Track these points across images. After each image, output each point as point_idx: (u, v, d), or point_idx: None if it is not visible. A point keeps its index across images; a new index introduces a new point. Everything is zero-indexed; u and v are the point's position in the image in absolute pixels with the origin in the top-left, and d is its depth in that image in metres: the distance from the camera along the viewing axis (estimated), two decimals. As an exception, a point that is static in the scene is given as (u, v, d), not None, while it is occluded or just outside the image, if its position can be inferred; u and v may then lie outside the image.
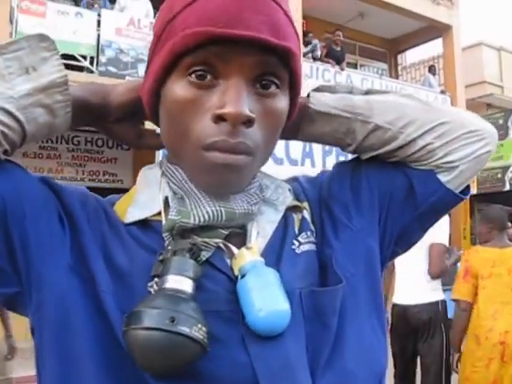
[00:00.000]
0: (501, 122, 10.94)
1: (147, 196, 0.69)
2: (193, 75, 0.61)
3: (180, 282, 0.59)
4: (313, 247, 0.71)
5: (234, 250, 0.65)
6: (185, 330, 0.54)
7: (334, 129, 0.76)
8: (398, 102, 0.76)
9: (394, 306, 3.76)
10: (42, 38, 0.64)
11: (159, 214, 0.66)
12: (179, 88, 0.62)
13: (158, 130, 0.72)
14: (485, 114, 11.87)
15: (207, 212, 0.64)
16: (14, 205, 0.61)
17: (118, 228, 0.67)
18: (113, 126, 0.74)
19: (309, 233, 0.72)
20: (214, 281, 0.63)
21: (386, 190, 0.76)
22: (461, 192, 0.78)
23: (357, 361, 0.64)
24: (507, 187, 10.02)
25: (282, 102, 0.64)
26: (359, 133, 0.76)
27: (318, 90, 0.78)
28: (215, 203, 0.64)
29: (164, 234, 0.64)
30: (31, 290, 0.61)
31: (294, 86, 0.67)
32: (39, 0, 6.80)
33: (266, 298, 0.60)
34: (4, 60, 0.62)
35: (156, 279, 0.61)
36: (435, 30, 11.35)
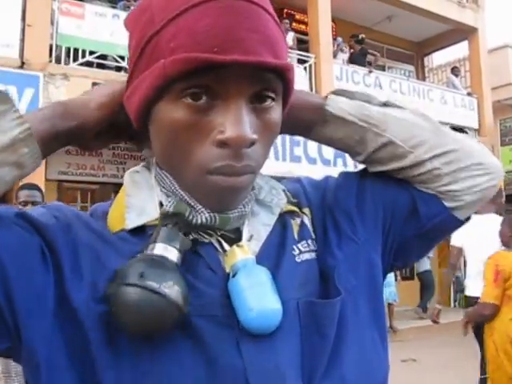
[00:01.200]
0: (527, 124, 10.94)
1: (140, 200, 0.67)
2: (187, 97, 0.58)
3: (165, 249, 0.59)
4: (313, 255, 0.70)
5: (226, 246, 0.65)
6: (153, 284, 0.55)
7: (346, 135, 0.75)
8: (412, 120, 0.75)
9: (468, 297, 3.89)
10: None
11: (157, 219, 0.65)
12: (174, 112, 0.59)
13: None
14: (511, 117, 11.86)
15: (201, 218, 0.63)
16: None
17: (107, 240, 0.64)
18: (89, 142, 0.70)
19: (309, 241, 0.71)
20: (207, 282, 0.62)
21: (390, 206, 0.76)
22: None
23: (356, 372, 0.64)
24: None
25: (277, 113, 0.63)
26: (371, 144, 0.75)
27: (336, 93, 0.76)
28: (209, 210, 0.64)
29: (156, 218, 0.64)
30: (21, 346, 0.58)
31: (286, 94, 0.65)
32: (78, 2, 7.02)
33: (257, 298, 0.60)
34: None
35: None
36: (461, 32, 11.38)
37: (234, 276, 0.62)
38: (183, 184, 0.64)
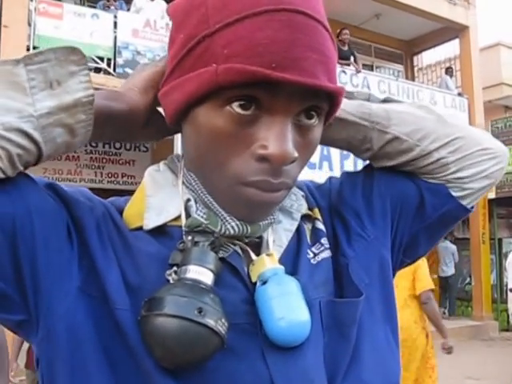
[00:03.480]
0: (519, 124, 10.84)
1: (161, 200, 0.65)
2: (235, 104, 0.57)
3: (201, 273, 0.57)
4: (328, 254, 0.70)
5: (253, 255, 0.64)
6: (211, 322, 0.53)
7: (350, 135, 0.76)
8: (415, 113, 0.76)
9: None
10: (72, 50, 0.57)
11: (176, 219, 0.63)
12: (218, 118, 0.57)
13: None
14: (503, 117, 11.75)
15: (232, 227, 0.62)
16: (25, 227, 0.56)
17: (124, 236, 0.63)
18: (140, 131, 0.69)
19: (322, 240, 0.71)
20: (230, 289, 0.61)
21: (398, 200, 0.76)
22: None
23: (373, 372, 0.64)
24: (526, 191, 9.91)
25: (319, 132, 0.63)
26: (376, 142, 0.75)
27: None
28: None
29: (184, 228, 0.62)
30: (39, 319, 0.57)
31: (330, 114, 0.65)
32: (56, 2, 6.87)
33: (287, 307, 0.59)
34: (27, 72, 0.55)
35: (175, 268, 0.59)
36: (452, 30, 11.24)
37: (263, 284, 0.60)
38: (212, 190, 0.63)
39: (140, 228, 0.63)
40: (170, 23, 0.65)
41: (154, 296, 0.55)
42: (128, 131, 0.67)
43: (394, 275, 0.76)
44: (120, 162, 8.36)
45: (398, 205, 0.76)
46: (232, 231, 0.62)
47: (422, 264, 3.57)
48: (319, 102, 0.59)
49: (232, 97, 0.56)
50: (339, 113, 0.71)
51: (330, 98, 0.60)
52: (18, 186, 0.57)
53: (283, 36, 0.54)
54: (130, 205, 0.67)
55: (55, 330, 0.56)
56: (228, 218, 0.62)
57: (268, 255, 0.63)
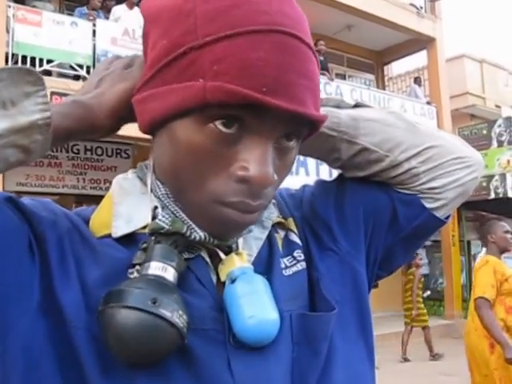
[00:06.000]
0: (484, 132, 11.27)
1: (128, 208, 0.63)
2: (218, 122, 0.54)
3: (163, 269, 0.56)
4: (301, 266, 0.68)
5: (222, 255, 0.62)
6: (166, 313, 0.52)
7: (317, 144, 0.73)
8: (385, 122, 0.73)
9: None
10: (28, 71, 0.53)
11: (145, 227, 0.61)
12: (199, 135, 0.55)
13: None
14: (469, 125, 12.20)
15: (199, 235, 0.60)
16: None
17: (92, 244, 0.61)
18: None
19: (295, 253, 0.69)
20: (196, 295, 0.59)
21: (371, 212, 0.74)
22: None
23: None
24: (492, 195, 10.26)
25: (295, 153, 0.62)
26: (344, 152, 0.74)
27: None
28: None
29: (147, 231, 0.60)
30: None
31: (308, 136, 0.63)
32: (35, 9, 6.88)
33: (257, 306, 0.57)
34: None
35: (137, 267, 0.58)
36: (420, 42, 11.60)
37: (232, 283, 0.59)
38: (184, 204, 0.61)
39: (108, 236, 0.61)
40: (143, 22, 0.62)
41: (111, 290, 0.53)
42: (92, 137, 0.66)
43: (369, 290, 0.74)
44: (102, 168, 8.40)
45: (371, 217, 0.73)
46: (198, 238, 0.60)
47: (480, 269, 3.50)
48: (302, 126, 0.59)
49: (217, 114, 0.54)
50: None
51: (311, 123, 0.59)
52: None
53: (275, 59, 0.53)
54: (97, 213, 0.65)
55: (11, 349, 0.53)
56: (195, 227, 0.60)
57: (237, 254, 0.62)
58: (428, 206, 0.73)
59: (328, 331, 0.63)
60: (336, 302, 0.65)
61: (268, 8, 0.54)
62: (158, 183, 0.63)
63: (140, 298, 0.52)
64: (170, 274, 0.56)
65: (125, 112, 0.63)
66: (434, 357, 7.79)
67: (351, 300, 0.69)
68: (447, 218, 0.77)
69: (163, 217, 0.61)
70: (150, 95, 0.58)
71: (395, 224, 0.74)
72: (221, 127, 0.55)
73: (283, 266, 0.66)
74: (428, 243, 11.03)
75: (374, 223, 0.74)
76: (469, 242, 11.85)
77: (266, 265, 0.65)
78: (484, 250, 3.79)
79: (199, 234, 0.60)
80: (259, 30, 0.53)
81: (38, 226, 0.58)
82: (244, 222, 0.59)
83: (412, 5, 11.15)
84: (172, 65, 0.56)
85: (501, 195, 10.22)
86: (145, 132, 0.62)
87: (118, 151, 8.63)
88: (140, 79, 0.62)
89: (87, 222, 0.64)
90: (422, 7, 11.38)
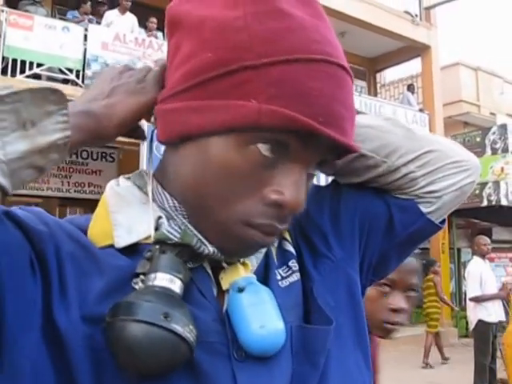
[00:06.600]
0: (478, 139, 11.27)
1: (129, 217, 0.61)
2: (263, 145, 0.54)
3: (170, 280, 0.55)
4: (296, 277, 0.67)
5: (224, 264, 0.61)
6: (178, 328, 0.51)
7: None
8: (382, 128, 0.73)
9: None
10: (52, 90, 0.53)
11: (148, 237, 0.60)
12: (238, 155, 0.54)
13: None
14: (462, 132, 12.21)
15: (209, 250, 0.59)
16: None
17: (93, 253, 0.59)
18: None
19: (290, 263, 0.68)
20: (199, 307, 0.58)
21: (366, 218, 0.73)
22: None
23: None
24: (485, 203, 10.25)
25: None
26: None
27: None
28: None
29: (152, 240, 0.59)
30: (3, 356, 0.52)
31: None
32: (27, 14, 6.93)
33: (266, 316, 0.57)
34: None
35: (142, 276, 0.57)
36: (414, 49, 11.63)
37: (239, 292, 0.59)
38: (200, 220, 0.59)
39: (110, 246, 0.60)
40: (169, 27, 0.61)
41: (120, 302, 0.52)
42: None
43: (363, 295, 0.73)
44: (87, 171, 8.36)
45: (366, 223, 0.73)
46: (207, 252, 0.59)
47: None
48: (334, 155, 0.59)
49: (261, 137, 0.54)
50: None
51: (344, 153, 0.60)
52: None
53: (329, 90, 0.53)
54: (94, 222, 0.62)
55: (19, 367, 0.52)
56: (205, 242, 0.59)
57: (242, 264, 0.62)
58: (425, 210, 0.74)
59: (326, 344, 0.62)
60: (330, 309, 0.64)
61: (318, 36, 0.55)
62: (166, 195, 0.62)
63: (151, 312, 0.51)
64: (176, 286, 0.55)
65: (131, 126, 0.63)
66: (442, 361, 7.99)
67: (346, 306, 0.68)
68: (442, 222, 0.78)
69: (172, 228, 0.60)
70: (188, 107, 0.56)
71: (391, 230, 0.74)
72: (265, 152, 0.54)
73: (279, 277, 0.65)
74: (416, 250, 11.02)
75: (369, 230, 0.74)
76: (459, 250, 11.85)
77: (262, 277, 0.64)
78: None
79: (209, 248, 0.59)
80: (314, 58, 0.53)
81: (39, 243, 0.56)
82: (264, 244, 0.59)
83: (407, 12, 11.19)
84: (221, 80, 0.54)
85: (493, 203, 10.22)
86: (165, 142, 0.61)
87: (104, 155, 8.64)
88: (167, 88, 0.61)
89: (84, 231, 0.61)
90: (417, 15, 11.42)
